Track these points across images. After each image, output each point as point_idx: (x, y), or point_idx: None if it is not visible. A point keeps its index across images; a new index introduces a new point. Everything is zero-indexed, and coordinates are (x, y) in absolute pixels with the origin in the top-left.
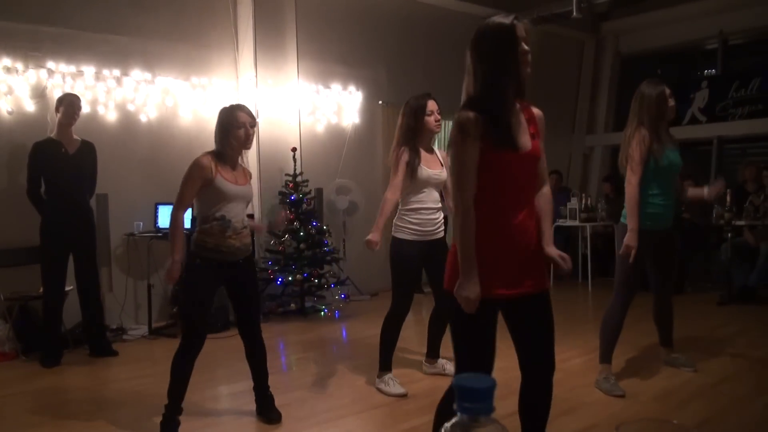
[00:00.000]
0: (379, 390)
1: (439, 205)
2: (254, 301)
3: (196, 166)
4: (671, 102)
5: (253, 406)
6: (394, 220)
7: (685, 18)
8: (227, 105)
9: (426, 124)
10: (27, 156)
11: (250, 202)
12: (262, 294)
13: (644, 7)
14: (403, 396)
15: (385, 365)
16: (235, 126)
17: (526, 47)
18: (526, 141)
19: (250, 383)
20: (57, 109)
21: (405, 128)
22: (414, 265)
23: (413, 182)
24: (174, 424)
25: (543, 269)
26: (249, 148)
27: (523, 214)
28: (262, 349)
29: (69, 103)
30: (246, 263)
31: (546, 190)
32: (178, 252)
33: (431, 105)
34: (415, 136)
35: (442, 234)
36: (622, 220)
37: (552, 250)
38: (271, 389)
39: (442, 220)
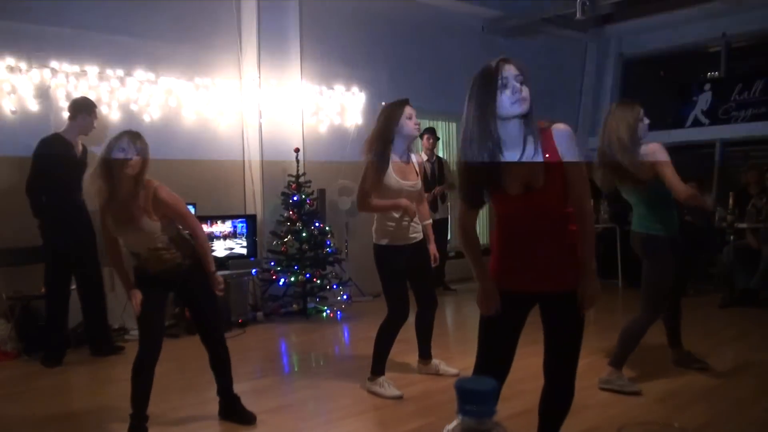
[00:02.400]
0: (373, 393)
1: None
2: (206, 312)
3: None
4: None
5: (255, 407)
6: (372, 228)
7: (689, 20)
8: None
9: (403, 128)
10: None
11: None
12: (264, 294)
13: (647, 10)
14: (399, 398)
15: (379, 370)
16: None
17: (517, 84)
18: (528, 180)
19: (251, 384)
20: (77, 112)
21: (377, 135)
22: (401, 268)
23: (383, 192)
24: None
25: (573, 269)
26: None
27: (538, 234)
28: (226, 355)
29: (92, 114)
30: (186, 279)
31: (580, 213)
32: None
33: (409, 110)
34: (387, 144)
35: (420, 237)
36: (649, 231)
37: (581, 290)
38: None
39: (420, 226)
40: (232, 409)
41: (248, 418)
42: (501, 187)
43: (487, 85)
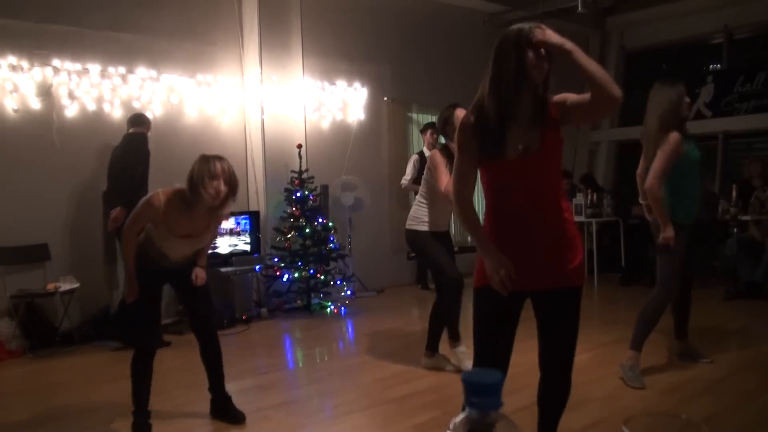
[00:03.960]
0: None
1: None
2: (203, 300)
3: (146, 204)
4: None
5: (260, 403)
6: (411, 212)
7: (690, 12)
8: (207, 155)
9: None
10: (112, 148)
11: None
12: (268, 291)
13: (649, 2)
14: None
15: (455, 334)
16: (207, 176)
17: (541, 51)
18: (527, 145)
19: (256, 380)
20: (145, 121)
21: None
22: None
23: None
24: (145, 428)
25: (569, 265)
26: (217, 205)
27: (531, 214)
28: (217, 349)
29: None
30: (190, 267)
31: None
32: (132, 270)
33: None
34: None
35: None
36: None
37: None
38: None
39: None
40: (223, 407)
41: (238, 418)
42: (502, 150)
43: (519, 47)
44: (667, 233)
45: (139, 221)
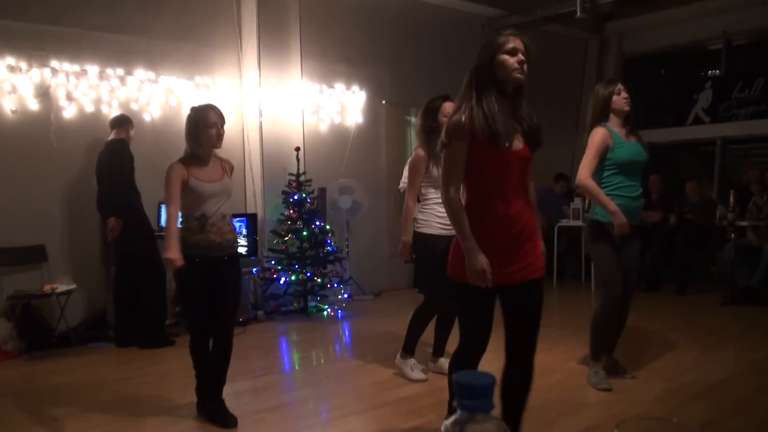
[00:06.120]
0: (401, 371)
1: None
2: (233, 302)
3: (171, 170)
4: (623, 96)
5: (255, 406)
6: (416, 216)
7: (689, 18)
8: (196, 105)
9: (441, 125)
10: (96, 153)
11: (229, 196)
12: (265, 293)
13: (648, 8)
14: (424, 381)
15: (410, 349)
16: (206, 125)
17: (521, 57)
18: (516, 143)
19: (252, 383)
20: (125, 123)
21: (425, 129)
22: (443, 258)
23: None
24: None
25: (536, 257)
26: (219, 146)
27: (511, 206)
28: (229, 352)
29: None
30: (230, 261)
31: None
32: (174, 248)
33: (447, 107)
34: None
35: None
36: (594, 216)
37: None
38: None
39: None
40: (215, 410)
41: (230, 421)
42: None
43: (489, 53)
44: (617, 219)
45: (172, 186)
